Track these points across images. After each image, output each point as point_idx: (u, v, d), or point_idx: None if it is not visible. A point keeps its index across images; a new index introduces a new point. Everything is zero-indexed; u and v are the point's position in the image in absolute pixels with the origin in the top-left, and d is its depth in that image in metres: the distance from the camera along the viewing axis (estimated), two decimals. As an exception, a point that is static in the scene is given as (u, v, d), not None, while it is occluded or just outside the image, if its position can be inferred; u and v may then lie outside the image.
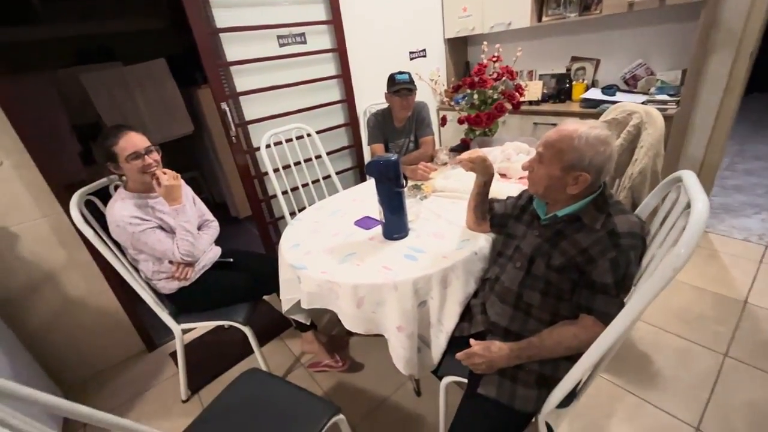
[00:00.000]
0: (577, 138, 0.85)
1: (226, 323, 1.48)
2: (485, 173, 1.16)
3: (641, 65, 2.31)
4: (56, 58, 3.13)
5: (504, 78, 1.83)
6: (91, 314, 1.80)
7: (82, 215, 1.30)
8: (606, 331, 0.74)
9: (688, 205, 0.73)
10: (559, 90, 2.56)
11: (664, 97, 2.01)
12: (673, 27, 2.15)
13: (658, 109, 1.53)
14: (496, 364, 0.93)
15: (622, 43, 2.36)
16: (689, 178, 0.78)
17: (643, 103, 1.89)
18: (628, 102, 1.62)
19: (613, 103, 1.84)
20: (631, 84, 2.37)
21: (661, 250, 0.81)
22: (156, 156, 1.32)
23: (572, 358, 0.86)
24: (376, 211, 1.36)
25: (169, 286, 1.43)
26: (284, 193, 1.97)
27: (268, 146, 1.91)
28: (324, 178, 2.12)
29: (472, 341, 0.97)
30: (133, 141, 1.26)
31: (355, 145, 2.60)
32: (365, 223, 1.42)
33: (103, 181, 1.43)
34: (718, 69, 2.03)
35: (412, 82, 1.83)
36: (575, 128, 0.86)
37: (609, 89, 2.26)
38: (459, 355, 0.97)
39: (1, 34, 2.89)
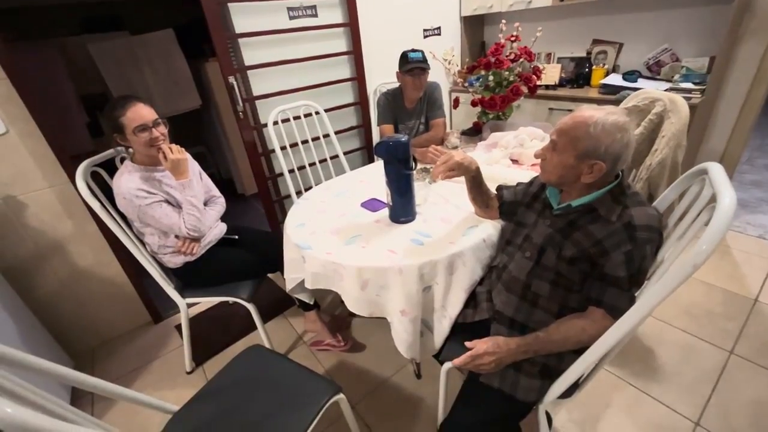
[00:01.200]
0: (592, 125, 0.80)
1: (230, 299, 1.49)
2: (469, 171, 1.09)
3: (666, 51, 2.20)
4: (63, 25, 3.08)
5: (522, 59, 1.76)
6: (98, 284, 1.82)
7: (89, 186, 1.29)
8: (616, 326, 0.72)
9: (712, 200, 0.70)
10: (578, 74, 2.46)
11: (689, 85, 1.92)
12: (703, 11, 2.03)
13: (682, 97, 1.46)
14: (504, 361, 0.89)
15: (647, 27, 2.25)
16: (716, 170, 0.74)
17: (666, 90, 1.81)
18: (651, 89, 1.55)
19: (635, 89, 1.76)
20: (654, 70, 2.27)
21: (679, 245, 0.78)
22: (163, 129, 1.29)
23: (578, 350, 0.85)
24: (383, 193, 1.34)
25: (175, 261, 1.43)
26: (291, 171, 1.95)
27: (275, 123, 1.88)
28: (331, 157, 2.09)
29: (472, 343, 0.92)
30: (140, 113, 1.23)
31: (364, 125, 2.55)
32: (372, 205, 1.39)
33: (109, 152, 1.41)
34: (749, 58, 1.93)
35: (425, 60, 1.77)
36: (591, 114, 0.82)
37: (631, 75, 2.17)
38: (457, 361, 0.92)
39: (6, -1, 2.83)
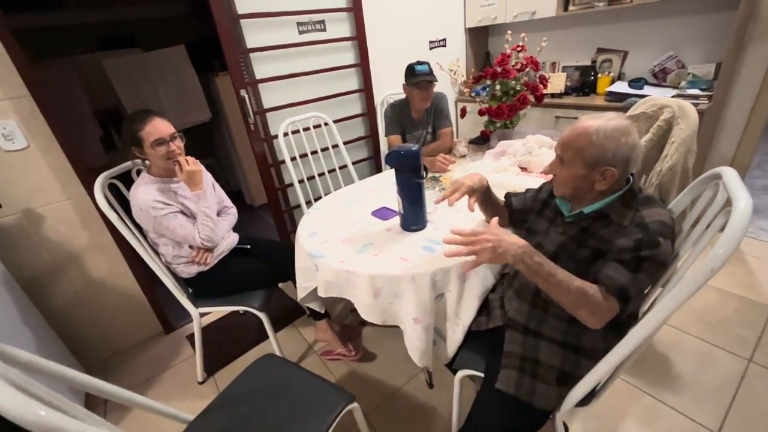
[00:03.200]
0: (594, 133, 0.82)
1: (242, 309, 1.50)
2: (482, 189, 1.10)
3: (672, 58, 2.22)
4: (80, 43, 3.18)
5: (528, 69, 1.78)
6: (111, 295, 1.85)
7: (106, 198, 1.32)
8: (636, 329, 0.72)
9: (727, 204, 0.70)
10: (583, 83, 2.48)
11: (696, 91, 1.93)
12: (708, 18, 2.05)
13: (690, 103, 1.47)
14: (506, 252, 0.79)
15: (653, 35, 2.27)
16: (730, 175, 0.75)
17: (673, 97, 1.81)
18: (658, 96, 1.56)
19: (641, 96, 1.77)
20: (660, 77, 2.28)
21: (695, 250, 0.78)
22: (179, 143, 1.33)
23: (594, 357, 0.84)
24: (393, 201, 1.35)
25: (189, 270, 1.45)
26: (300, 181, 1.97)
27: (285, 134, 1.91)
28: (340, 167, 2.12)
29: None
30: (158, 127, 1.27)
31: (372, 136, 2.58)
32: (382, 213, 1.41)
33: (127, 164, 1.45)
34: (755, 63, 1.93)
35: (432, 72, 1.80)
36: (590, 124, 0.83)
37: (637, 82, 2.18)
38: (446, 241, 0.84)
39: (28, 20, 2.94)
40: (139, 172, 1.47)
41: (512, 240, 0.82)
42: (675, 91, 2.02)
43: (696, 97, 1.90)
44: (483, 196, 1.13)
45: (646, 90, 2.13)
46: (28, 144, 1.49)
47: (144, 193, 1.29)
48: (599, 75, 2.44)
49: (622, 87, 2.21)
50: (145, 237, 1.43)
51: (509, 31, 1.93)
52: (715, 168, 0.81)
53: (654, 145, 1.37)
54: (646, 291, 0.82)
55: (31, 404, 0.48)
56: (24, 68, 1.41)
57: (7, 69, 1.39)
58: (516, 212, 1.14)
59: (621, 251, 0.80)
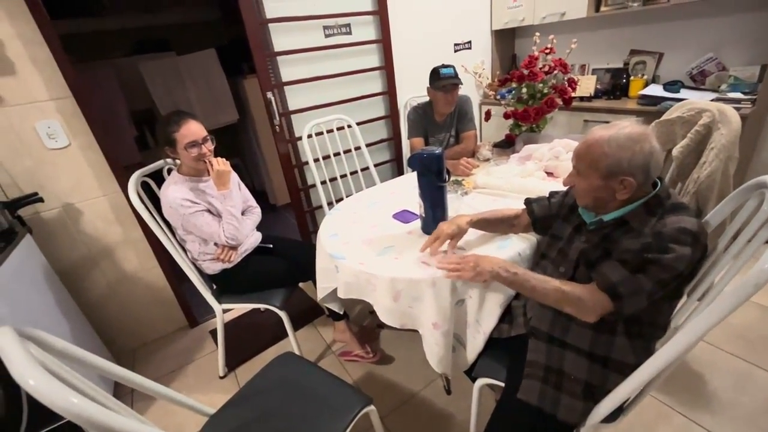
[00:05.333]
0: (606, 143, 0.80)
1: (263, 306, 1.53)
2: (460, 233, 1.11)
3: (711, 60, 2.11)
4: (118, 48, 3.35)
5: (556, 71, 1.74)
6: (141, 288, 1.93)
7: (138, 195, 1.38)
8: (669, 345, 0.67)
9: (774, 215, 0.66)
10: (614, 85, 2.39)
11: (738, 95, 1.82)
12: (751, 17, 1.94)
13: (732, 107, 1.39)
14: (482, 268, 0.93)
15: (690, 36, 2.16)
16: (777, 184, 0.70)
17: (712, 100, 1.73)
18: (696, 99, 1.48)
19: (677, 100, 1.69)
20: (698, 80, 2.17)
21: (735, 263, 0.73)
22: (210, 146, 1.37)
23: (623, 371, 0.81)
24: (414, 204, 1.34)
25: (213, 267, 1.49)
26: (323, 183, 2.00)
27: (309, 136, 1.94)
28: (362, 169, 2.13)
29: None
30: (192, 129, 1.32)
31: (394, 138, 2.58)
32: (404, 216, 1.40)
33: (159, 163, 1.51)
34: (805, 65, 1.81)
35: (457, 76, 1.78)
36: (602, 134, 0.81)
37: (672, 85, 2.09)
38: (451, 265, 0.98)
39: (73, 25, 3.12)
40: (169, 171, 1.52)
41: (490, 259, 0.95)
42: (715, 95, 1.91)
43: (738, 101, 1.79)
44: (479, 224, 1.14)
45: (683, 93, 2.03)
46: (69, 142, 1.58)
47: (174, 191, 1.34)
48: (632, 77, 2.35)
49: (656, 90, 2.12)
50: (173, 234, 1.48)
51: (537, 33, 1.89)
52: (760, 177, 0.76)
53: (691, 150, 1.31)
54: (648, 292, 0.77)
55: (64, 391, 0.50)
56: (68, 71, 1.50)
57: (53, 71, 1.48)
58: (539, 220, 1.11)
59: (624, 251, 0.80)
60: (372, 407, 1.02)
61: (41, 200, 1.52)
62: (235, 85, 3.26)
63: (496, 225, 1.16)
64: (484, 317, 1.07)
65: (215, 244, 1.46)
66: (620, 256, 0.81)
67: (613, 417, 0.88)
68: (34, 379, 0.49)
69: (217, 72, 3.19)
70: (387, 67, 2.37)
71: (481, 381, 1.06)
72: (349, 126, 2.05)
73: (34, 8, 1.40)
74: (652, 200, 0.83)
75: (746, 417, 1.27)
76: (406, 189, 1.63)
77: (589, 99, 2.42)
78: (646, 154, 0.78)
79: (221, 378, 1.72)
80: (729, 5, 1.98)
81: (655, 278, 0.76)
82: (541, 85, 1.74)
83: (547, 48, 1.76)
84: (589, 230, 0.92)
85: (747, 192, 0.82)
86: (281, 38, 2.02)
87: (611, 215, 0.87)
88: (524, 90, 1.77)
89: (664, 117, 1.43)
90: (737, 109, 1.72)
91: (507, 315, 1.08)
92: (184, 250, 1.50)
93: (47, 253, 1.58)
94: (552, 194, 1.13)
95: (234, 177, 1.55)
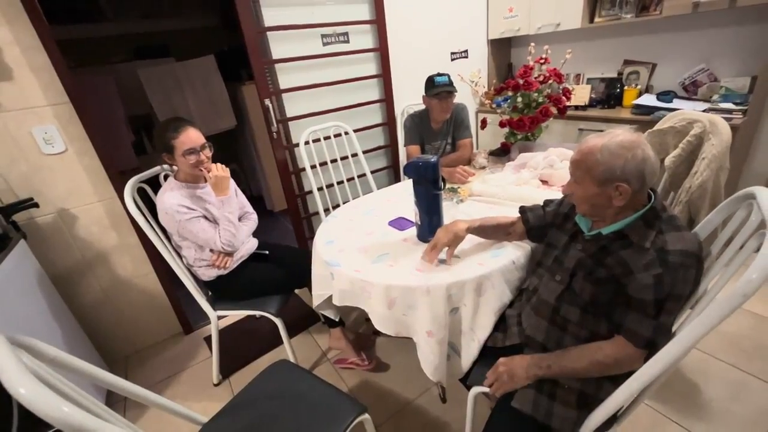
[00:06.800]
0: (599, 151, 0.81)
1: (258, 313, 1.52)
2: (456, 241, 1.12)
3: (703, 70, 2.14)
4: (117, 53, 3.36)
5: (551, 81, 1.76)
6: (136, 294, 1.91)
7: (134, 201, 1.38)
8: (661, 353, 0.68)
9: (761, 225, 0.67)
10: (609, 95, 2.43)
11: (729, 105, 1.85)
12: (743, 30, 1.98)
13: (722, 118, 1.41)
14: (516, 374, 0.90)
15: (683, 47, 2.20)
16: (764, 195, 0.71)
17: (704, 111, 1.75)
18: (688, 110, 1.51)
19: (670, 110, 1.72)
20: (690, 91, 2.21)
21: (726, 272, 0.74)
22: (208, 153, 1.38)
23: (617, 380, 0.81)
24: (410, 212, 1.35)
25: (209, 274, 1.49)
26: (320, 189, 2.00)
27: (306, 143, 1.95)
28: (359, 176, 2.14)
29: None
30: (191, 137, 1.32)
31: (391, 145, 2.60)
32: (399, 223, 1.41)
33: (156, 169, 1.51)
34: (795, 76, 1.84)
35: (451, 83, 1.80)
36: (595, 143, 0.83)
37: (665, 95, 2.12)
38: (487, 381, 0.96)
39: (71, 31, 3.13)
40: (166, 177, 1.53)
41: (517, 362, 0.92)
42: (706, 105, 1.95)
43: (729, 111, 1.82)
44: (475, 231, 1.15)
45: (676, 103, 2.06)
46: (66, 148, 1.58)
47: (170, 197, 1.34)
48: (626, 87, 2.39)
49: (649, 100, 2.15)
50: (169, 240, 1.48)
51: (532, 43, 1.92)
52: (749, 187, 0.77)
53: (683, 160, 1.32)
54: (672, 325, 0.81)
55: (56, 399, 0.50)
56: (65, 76, 1.51)
57: (50, 77, 1.49)
58: (534, 229, 1.12)
59: (641, 292, 0.79)
60: (367, 415, 1.02)
61: (36, 205, 1.51)
62: (233, 91, 3.28)
63: (492, 232, 1.17)
64: (478, 326, 1.07)
65: (211, 250, 1.45)
66: (638, 305, 0.80)
67: (606, 426, 0.88)
68: (25, 387, 0.49)
69: (215, 78, 3.20)
70: (384, 76, 2.39)
71: (476, 389, 1.06)
72: (347, 133, 2.07)
73: (32, 14, 1.40)
74: (648, 213, 0.84)
75: (740, 425, 1.27)
76: (403, 196, 1.64)
77: (583, 108, 2.45)
78: (639, 161, 0.79)
79: (215, 385, 1.71)
80: (721, 18, 2.02)
81: (674, 311, 0.80)
82: (536, 94, 1.76)
83: (542, 58, 1.78)
84: (586, 239, 0.93)
85: (736, 203, 0.83)
86: (279, 46, 2.04)
87: (610, 228, 0.87)
88: (519, 99, 1.79)
89: (657, 127, 1.45)
90: (728, 119, 1.76)
91: (501, 324, 1.08)
92: (180, 256, 1.49)
93: (41, 258, 1.57)
94: (547, 203, 1.14)
95: (231, 183, 1.55)
